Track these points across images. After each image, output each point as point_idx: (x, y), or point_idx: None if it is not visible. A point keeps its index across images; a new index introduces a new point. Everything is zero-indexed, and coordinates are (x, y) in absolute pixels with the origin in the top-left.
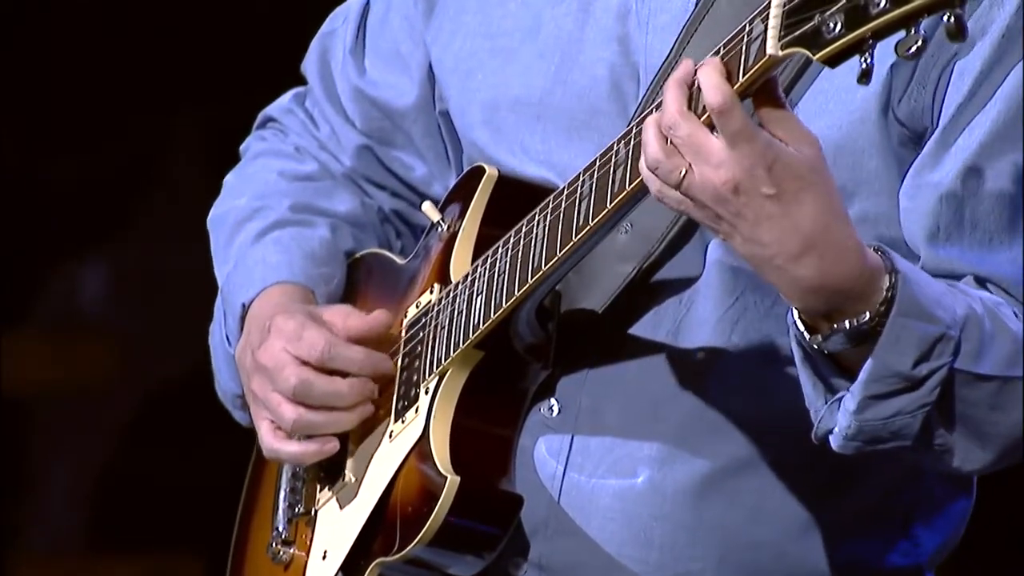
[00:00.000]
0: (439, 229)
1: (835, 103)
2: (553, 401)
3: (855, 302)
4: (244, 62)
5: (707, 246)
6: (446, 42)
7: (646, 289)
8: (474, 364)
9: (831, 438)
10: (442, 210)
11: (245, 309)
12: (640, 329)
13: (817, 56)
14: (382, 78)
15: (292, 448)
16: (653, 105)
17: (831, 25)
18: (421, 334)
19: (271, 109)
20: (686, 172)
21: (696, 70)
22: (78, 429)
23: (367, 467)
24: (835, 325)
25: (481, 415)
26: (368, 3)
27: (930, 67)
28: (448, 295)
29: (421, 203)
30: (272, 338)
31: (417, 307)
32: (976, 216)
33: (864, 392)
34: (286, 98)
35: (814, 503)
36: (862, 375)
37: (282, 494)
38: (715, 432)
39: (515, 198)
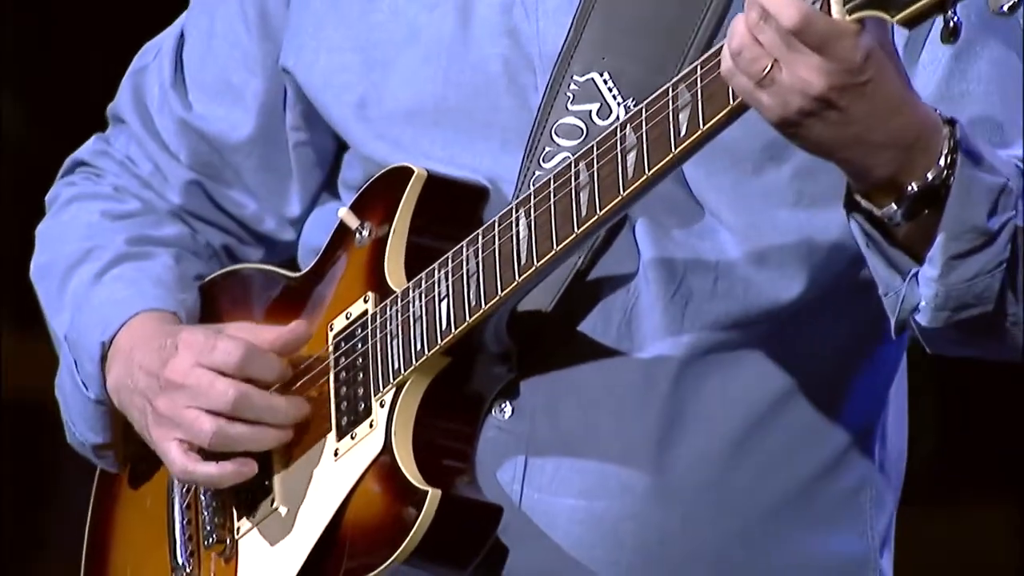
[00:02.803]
0: (359, 236)
1: None
2: (505, 403)
3: (924, 155)
4: None
5: (634, 233)
6: (310, 61)
7: (590, 282)
8: (437, 371)
9: (918, 316)
10: (358, 213)
11: (105, 348)
12: (591, 322)
13: (896, 18)
14: (211, 112)
15: (209, 469)
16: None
17: None
18: (362, 346)
19: (80, 153)
20: (771, 68)
21: None
22: None
23: (306, 490)
24: (908, 188)
25: (442, 424)
26: (182, 36)
27: None
28: (395, 303)
29: (250, 238)
30: (182, 353)
31: (347, 318)
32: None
33: (945, 253)
34: (92, 141)
35: (781, 488)
36: (940, 237)
37: (177, 526)
38: (679, 421)
39: (446, 198)
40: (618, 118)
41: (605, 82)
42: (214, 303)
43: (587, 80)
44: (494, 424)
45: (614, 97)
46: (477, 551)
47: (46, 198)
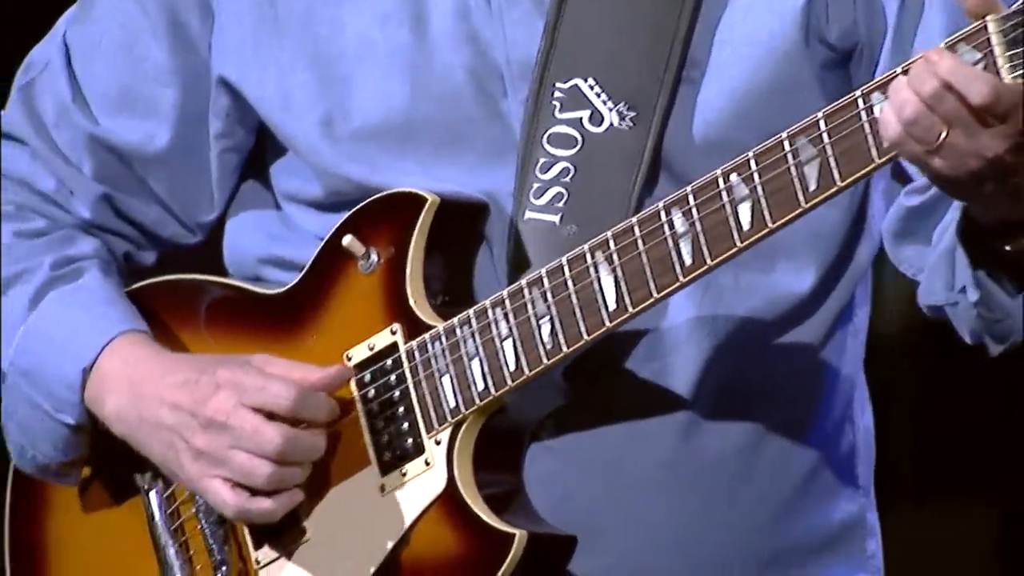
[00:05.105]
0: (364, 262)
1: (752, 49)
2: (547, 423)
3: None
4: None
5: None
6: (258, 79)
7: None
8: (495, 408)
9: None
10: (360, 238)
11: (87, 375)
12: (619, 332)
13: None
14: (119, 125)
15: (264, 505)
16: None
17: None
18: (398, 381)
19: None
20: (946, 135)
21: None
22: None
23: (347, 523)
24: None
25: (498, 458)
26: (66, 48)
27: None
28: (439, 339)
29: (148, 243)
30: (224, 392)
31: (371, 349)
32: None
33: None
34: None
35: (799, 464)
36: None
37: (170, 550)
38: (706, 419)
39: (454, 220)
40: (612, 124)
41: (591, 87)
42: (155, 314)
43: (571, 87)
44: (535, 444)
45: (604, 103)
46: None
47: None
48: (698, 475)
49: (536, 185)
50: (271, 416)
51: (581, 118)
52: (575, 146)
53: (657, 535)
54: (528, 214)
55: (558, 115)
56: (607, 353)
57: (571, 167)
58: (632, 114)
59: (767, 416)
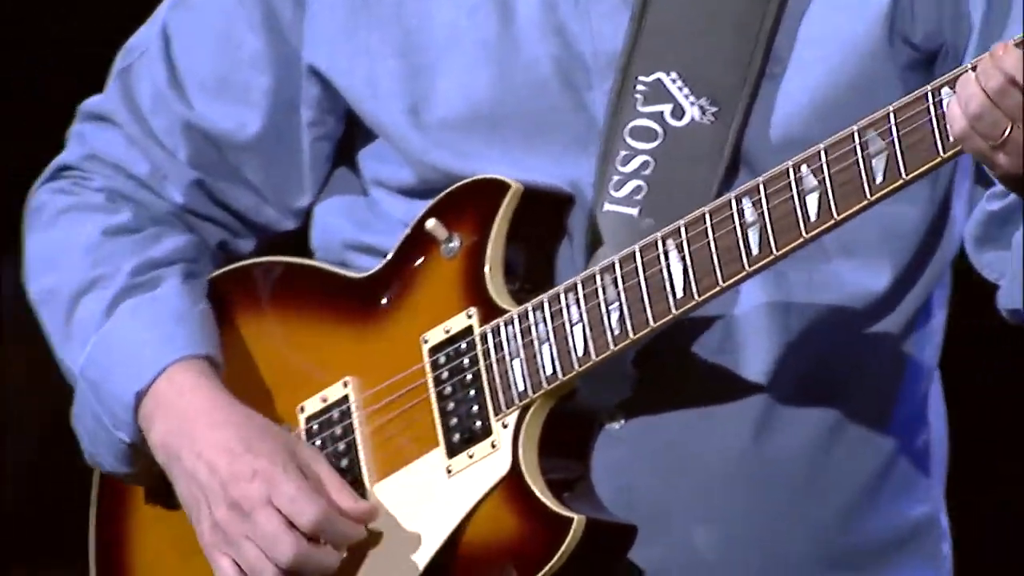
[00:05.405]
0: (446, 247)
1: (836, 46)
2: (616, 411)
3: None
4: None
5: None
6: (347, 67)
7: None
8: (562, 393)
9: None
10: (444, 222)
11: (141, 397)
12: (694, 324)
13: None
14: (214, 111)
15: None
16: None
17: None
18: (470, 364)
19: (65, 157)
20: (1011, 130)
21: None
22: None
23: (412, 503)
24: None
25: (564, 443)
26: (165, 34)
27: None
28: (512, 323)
29: (245, 230)
30: (258, 483)
31: (446, 332)
32: None
33: None
34: (74, 145)
35: (872, 461)
36: None
37: None
38: (779, 414)
39: (537, 209)
40: (693, 119)
41: (674, 81)
42: (239, 297)
43: (655, 80)
44: (605, 432)
45: (686, 97)
46: (610, 570)
47: (30, 206)
48: (770, 468)
49: (616, 178)
50: (294, 524)
51: (663, 112)
52: (656, 139)
53: (723, 528)
54: (607, 206)
55: (640, 108)
56: (678, 343)
57: (651, 160)
58: (714, 109)
59: (846, 405)
